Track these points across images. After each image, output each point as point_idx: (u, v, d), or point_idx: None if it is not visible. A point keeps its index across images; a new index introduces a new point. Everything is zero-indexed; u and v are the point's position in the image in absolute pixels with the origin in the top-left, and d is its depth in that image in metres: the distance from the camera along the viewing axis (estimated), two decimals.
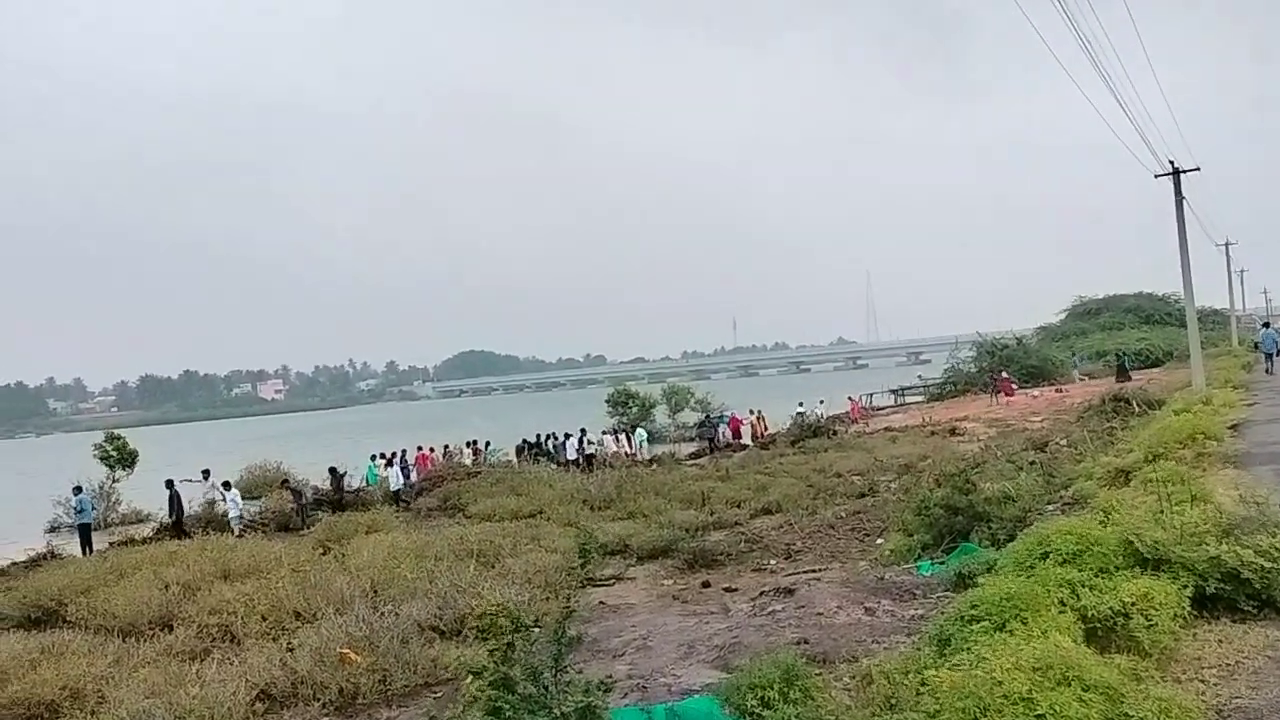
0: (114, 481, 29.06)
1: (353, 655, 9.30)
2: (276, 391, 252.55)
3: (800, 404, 40.76)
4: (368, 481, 29.15)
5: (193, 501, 25.05)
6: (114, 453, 29.96)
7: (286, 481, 25.99)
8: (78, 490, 24.32)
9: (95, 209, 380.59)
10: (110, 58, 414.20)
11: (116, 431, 31.89)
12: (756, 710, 5.19)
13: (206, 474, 26.02)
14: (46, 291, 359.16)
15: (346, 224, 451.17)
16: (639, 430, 34.65)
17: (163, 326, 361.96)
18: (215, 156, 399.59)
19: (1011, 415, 34.09)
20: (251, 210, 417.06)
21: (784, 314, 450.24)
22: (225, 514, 24.00)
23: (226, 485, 24.64)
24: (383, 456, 32.10)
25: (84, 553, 21.86)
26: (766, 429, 38.23)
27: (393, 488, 26.15)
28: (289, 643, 10.14)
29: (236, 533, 22.25)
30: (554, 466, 29.91)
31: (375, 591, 11.98)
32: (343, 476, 26.94)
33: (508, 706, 4.30)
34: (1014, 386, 46.06)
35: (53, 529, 27.08)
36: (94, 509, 25.19)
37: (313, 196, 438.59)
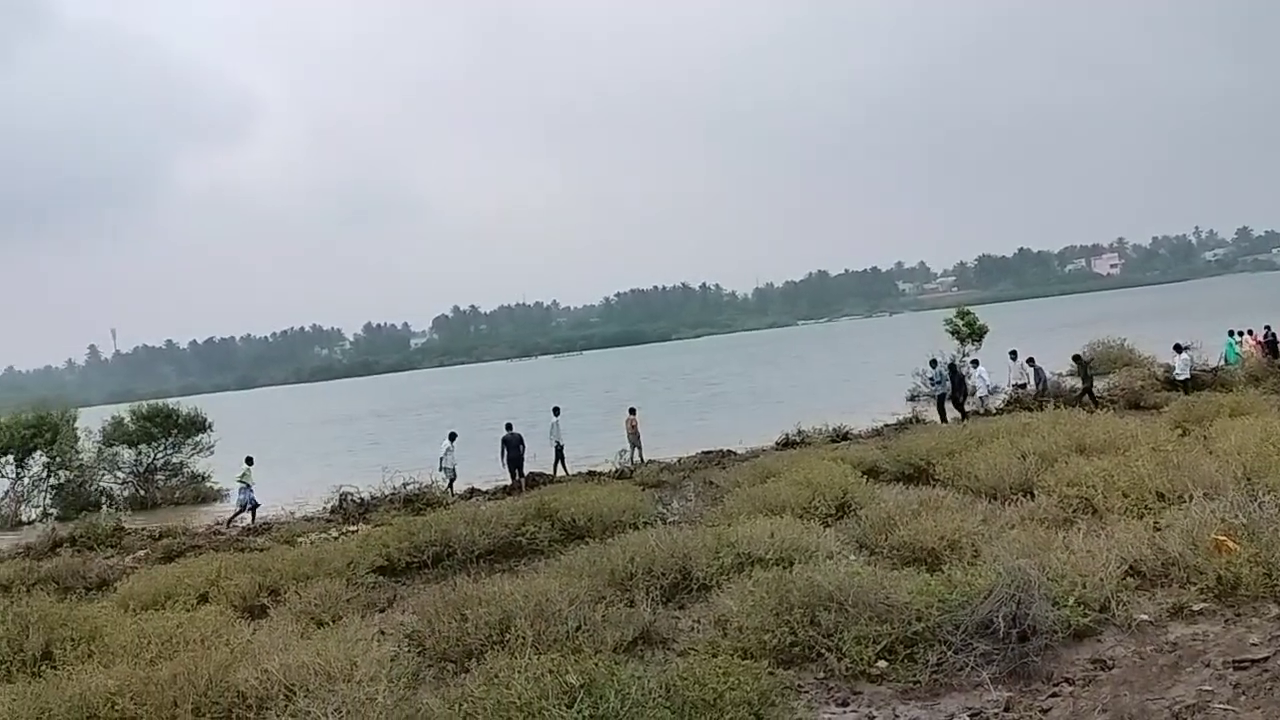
0: (964, 355, 31.08)
1: (1230, 543, 8.55)
2: (1111, 266, 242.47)
3: None
4: (1226, 360, 26.47)
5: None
6: (964, 327, 32.08)
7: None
8: (934, 363, 26.62)
9: (931, 100, 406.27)
10: None
11: (968, 308, 33.96)
12: None
13: (1014, 354, 26.46)
14: (893, 182, 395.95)
15: (1182, 78, 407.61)
16: None
17: (997, 206, 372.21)
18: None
19: None
20: (1073, 83, 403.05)
21: None
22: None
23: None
24: (1241, 333, 28.86)
25: (941, 420, 24.01)
26: None
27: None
28: (1155, 522, 9.75)
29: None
30: None
31: (1249, 479, 10.82)
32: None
33: None
34: None
35: (912, 397, 30.22)
36: (944, 382, 27.37)
37: (1138, 57, 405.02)
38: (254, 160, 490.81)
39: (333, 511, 20.38)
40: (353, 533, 16.64)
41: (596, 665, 6.54)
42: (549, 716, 5.93)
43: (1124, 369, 27.83)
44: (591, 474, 21.50)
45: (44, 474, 28.76)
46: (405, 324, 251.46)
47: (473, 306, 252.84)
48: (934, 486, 13.74)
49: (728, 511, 13.19)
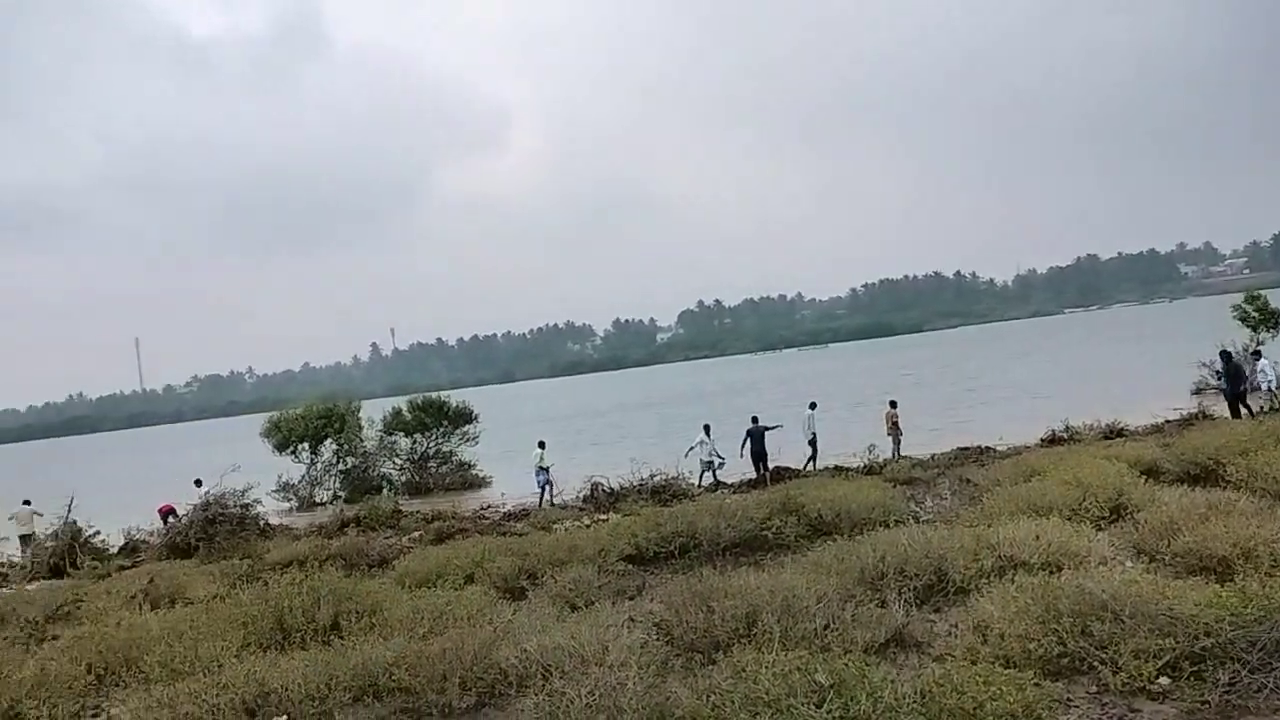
0: (1257, 344, 28.01)
1: None
2: None
3: None
4: None
5: None
6: (1255, 314, 28.88)
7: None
8: (1224, 355, 24.09)
9: (1211, 65, 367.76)
10: None
11: (1258, 291, 30.54)
12: None
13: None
14: (1176, 158, 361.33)
15: None
16: None
17: None
18: None
19: None
20: None
21: None
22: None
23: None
24: None
25: (1233, 416, 21.69)
26: None
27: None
28: None
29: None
30: None
31: None
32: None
33: None
34: None
35: (1198, 391, 27.51)
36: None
37: None
38: (508, 165, 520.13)
39: (585, 500, 21.19)
40: (603, 521, 17.16)
41: (846, 665, 6.37)
42: (797, 715, 5.83)
43: None
44: (839, 469, 21.07)
45: (334, 460, 31.74)
46: (652, 319, 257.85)
47: (717, 301, 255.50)
48: (1224, 489, 12.41)
49: (987, 511, 12.51)
